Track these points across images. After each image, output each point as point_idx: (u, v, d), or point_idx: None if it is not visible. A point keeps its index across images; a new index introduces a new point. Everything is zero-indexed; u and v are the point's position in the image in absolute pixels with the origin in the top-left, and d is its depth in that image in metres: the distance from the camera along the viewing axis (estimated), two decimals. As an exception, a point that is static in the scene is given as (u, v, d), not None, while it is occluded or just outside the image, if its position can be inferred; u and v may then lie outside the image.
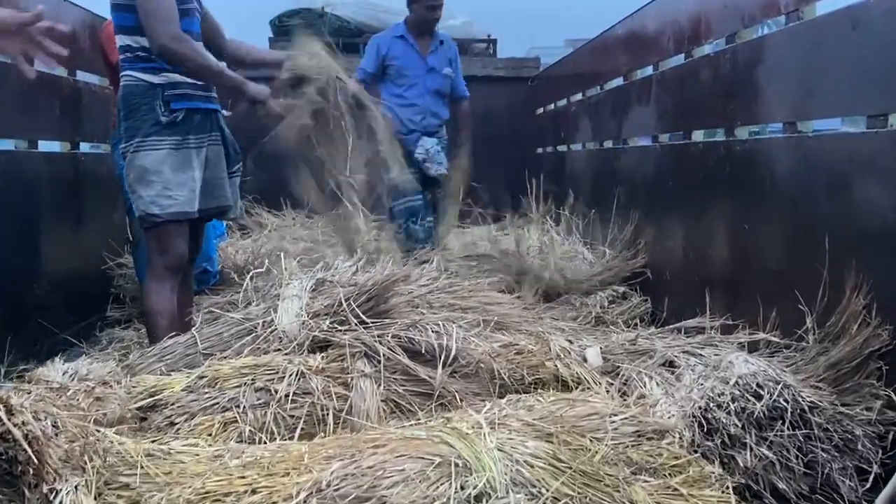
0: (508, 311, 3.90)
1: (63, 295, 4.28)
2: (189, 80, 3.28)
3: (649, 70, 4.84)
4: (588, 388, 2.87)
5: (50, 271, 4.19)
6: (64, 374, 2.58)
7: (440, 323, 2.76)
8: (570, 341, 3.25)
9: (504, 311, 3.90)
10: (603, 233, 5.56)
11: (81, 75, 4.66)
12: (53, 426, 2.00)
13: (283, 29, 8.73)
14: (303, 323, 2.80)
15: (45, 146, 4.34)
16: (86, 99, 4.66)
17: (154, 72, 3.22)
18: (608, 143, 5.88)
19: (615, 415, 2.18)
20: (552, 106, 7.82)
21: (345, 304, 2.79)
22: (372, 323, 2.78)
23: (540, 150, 8.22)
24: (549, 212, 7.20)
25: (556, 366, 2.95)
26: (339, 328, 2.78)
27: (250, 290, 3.23)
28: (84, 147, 4.73)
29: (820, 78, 2.98)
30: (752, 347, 3.28)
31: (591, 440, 2.08)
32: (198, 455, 2.00)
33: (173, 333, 3.04)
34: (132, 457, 1.92)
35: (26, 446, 1.71)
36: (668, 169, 4.48)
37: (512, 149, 8.28)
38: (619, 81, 5.58)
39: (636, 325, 4.52)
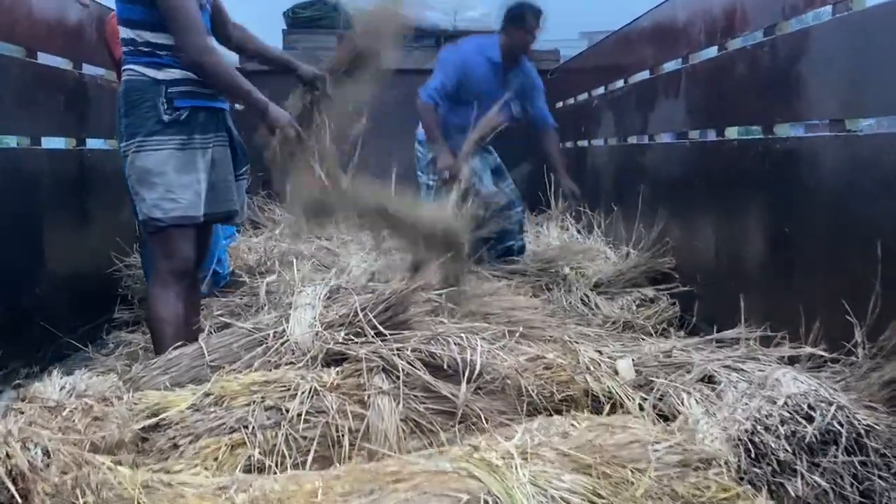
0: (531, 317, 3.73)
1: (68, 297, 4.13)
2: (194, 76, 3.09)
3: (678, 63, 4.63)
4: (622, 406, 2.69)
5: (55, 272, 4.02)
6: (61, 389, 2.40)
7: (463, 335, 2.57)
8: (600, 352, 3.06)
9: (527, 317, 3.73)
10: (627, 232, 5.36)
11: (87, 68, 4.49)
12: (45, 453, 1.84)
13: (296, 21, 8.56)
14: (316, 334, 2.62)
15: (49, 142, 4.18)
16: (92, 93, 4.49)
17: (157, 67, 3.02)
18: (632, 139, 5.67)
19: (658, 442, 1.99)
20: (572, 100, 7.61)
21: (361, 315, 2.61)
22: (390, 335, 2.60)
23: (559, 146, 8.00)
24: (570, 209, 7.00)
25: (585, 380, 2.77)
26: (355, 340, 2.60)
27: (262, 296, 3.04)
28: (91, 143, 4.56)
29: (871, 73, 2.77)
30: (793, 360, 3.09)
31: (632, 472, 1.89)
32: (201, 487, 1.82)
33: (180, 343, 2.86)
34: (129, 490, 1.75)
35: (10, 484, 1.54)
36: (699, 167, 4.27)
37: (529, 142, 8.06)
38: (644, 75, 5.37)
39: (664, 329, 4.33)
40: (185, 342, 2.90)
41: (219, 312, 4.00)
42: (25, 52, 3.83)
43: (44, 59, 4.02)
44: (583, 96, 7.22)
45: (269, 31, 8.81)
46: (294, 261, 3.36)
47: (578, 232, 6.65)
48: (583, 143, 7.15)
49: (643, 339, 3.98)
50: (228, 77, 3.10)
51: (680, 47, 4.57)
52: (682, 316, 4.39)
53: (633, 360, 2.99)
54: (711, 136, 4.16)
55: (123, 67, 3.11)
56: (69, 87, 4.27)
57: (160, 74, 3.02)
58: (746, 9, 3.68)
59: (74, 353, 4.07)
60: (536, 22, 5.12)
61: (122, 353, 4.07)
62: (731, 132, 3.96)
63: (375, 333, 2.61)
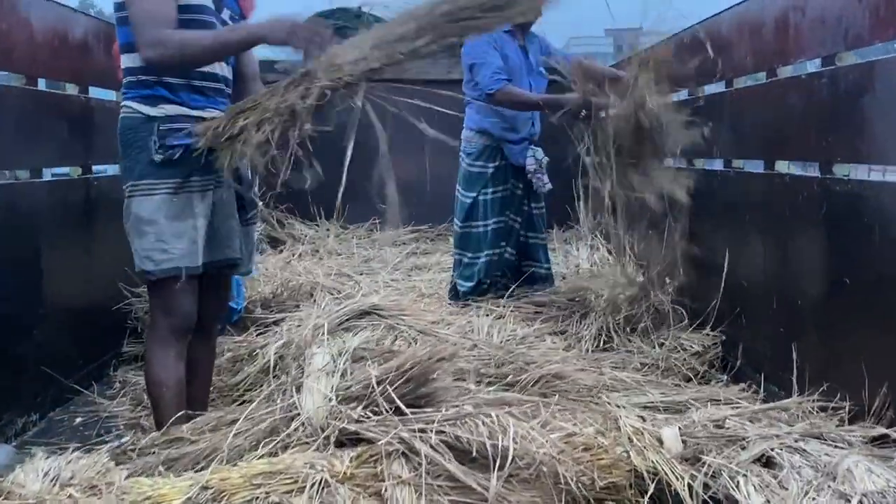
0: (564, 367, 3.46)
1: (73, 334, 3.90)
2: (192, 112, 2.74)
3: (721, 86, 4.33)
4: (669, 486, 2.42)
5: (58, 309, 3.77)
6: (45, 475, 2.16)
7: (493, 414, 2.30)
8: (643, 418, 2.79)
9: (558, 366, 3.47)
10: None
11: (94, 91, 4.24)
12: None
13: (318, 29, 8.31)
14: (330, 411, 2.36)
15: (54, 172, 3.96)
16: (98, 117, 4.23)
17: (151, 102, 2.71)
18: (669, 161, 5.36)
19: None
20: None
21: (377, 390, 2.34)
22: (411, 413, 2.33)
23: (588, 159, 7.70)
24: (599, 226, 6.69)
25: (628, 455, 2.49)
26: (372, 417, 2.33)
27: (271, 359, 2.76)
28: (98, 169, 4.31)
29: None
30: (853, 421, 2.81)
31: None
32: None
33: (181, 413, 2.61)
34: None
35: None
36: (744, 199, 3.97)
37: (559, 154, 7.75)
38: (682, 94, 5.06)
39: (705, 371, 4.05)
40: (188, 410, 2.66)
41: (228, 355, 3.78)
42: (25, 80, 3.58)
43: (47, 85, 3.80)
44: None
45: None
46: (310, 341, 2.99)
47: (609, 252, 6.36)
48: (615, 158, 6.83)
49: (685, 386, 3.72)
50: (190, 51, 2.66)
51: (724, 69, 4.26)
52: (725, 356, 4.10)
53: (679, 428, 2.72)
54: (758, 167, 3.87)
55: (121, 104, 2.83)
56: (75, 113, 4.03)
57: (153, 111, 2.70)
58: (802, 35, 3.37)
59: (77, 395, 3.84)
60: None
61: (127, 395, 3.87)
62: (782, 166, 3.65)
63: (394, 410, 2.34)
